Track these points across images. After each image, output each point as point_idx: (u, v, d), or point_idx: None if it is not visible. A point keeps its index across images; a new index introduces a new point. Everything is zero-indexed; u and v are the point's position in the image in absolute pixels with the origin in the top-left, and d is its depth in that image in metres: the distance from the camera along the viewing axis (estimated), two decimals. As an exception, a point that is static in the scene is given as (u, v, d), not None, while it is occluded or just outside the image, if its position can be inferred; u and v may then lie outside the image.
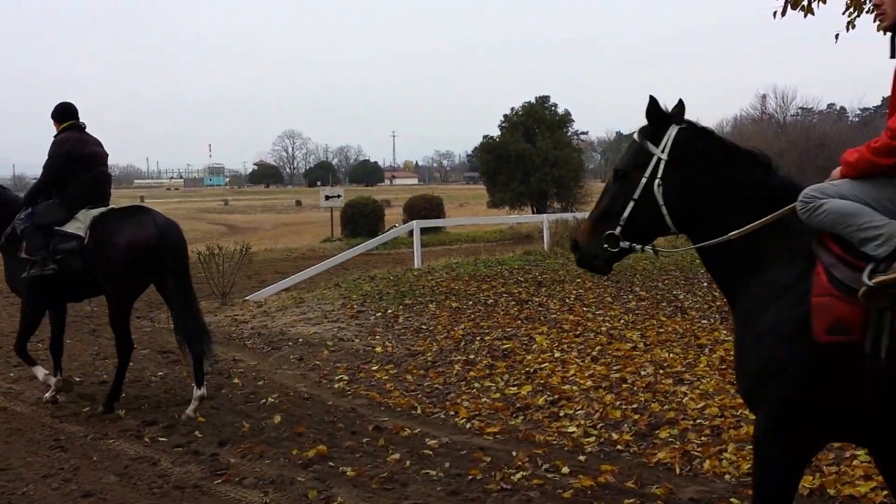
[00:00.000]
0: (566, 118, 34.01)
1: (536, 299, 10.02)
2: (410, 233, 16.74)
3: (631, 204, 3.03)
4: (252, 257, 14.53)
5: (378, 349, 7.96)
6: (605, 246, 3.06)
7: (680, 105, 3.09)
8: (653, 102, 3.05)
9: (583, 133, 35.18)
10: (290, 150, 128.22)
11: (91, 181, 6.41)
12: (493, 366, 7.09)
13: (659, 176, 3.00)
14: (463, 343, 7.95)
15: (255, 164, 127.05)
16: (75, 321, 10.56)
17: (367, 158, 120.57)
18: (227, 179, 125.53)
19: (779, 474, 2.74)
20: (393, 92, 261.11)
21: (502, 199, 32.45)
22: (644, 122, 3.09)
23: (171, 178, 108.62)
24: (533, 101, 34.02)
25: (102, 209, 6.36)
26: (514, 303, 9.84)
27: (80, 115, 6.63)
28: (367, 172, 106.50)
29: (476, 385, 6.58)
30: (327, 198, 21.21)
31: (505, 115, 34.09)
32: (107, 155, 6.74)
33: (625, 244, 3.04)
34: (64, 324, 6.94)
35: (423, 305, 9.92)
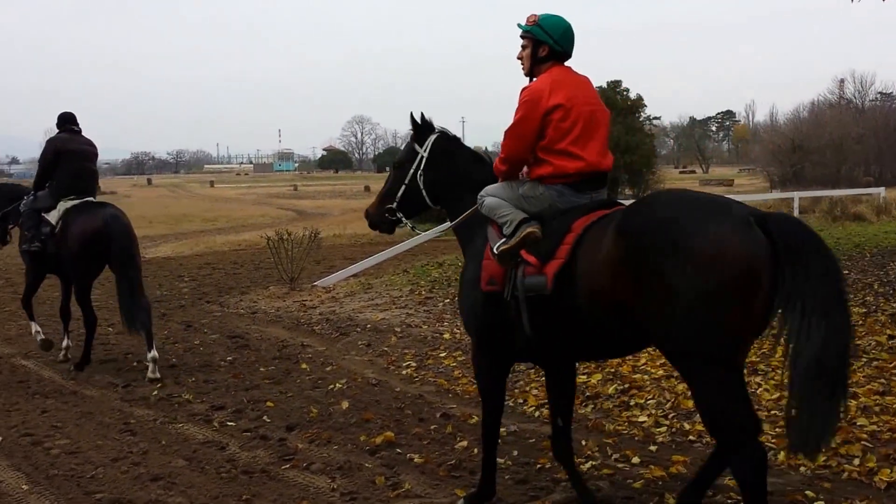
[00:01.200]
0: (638, 103, 33.01)
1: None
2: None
3: (403, 187, 4.27)
4: (320, 242, 14.59)
5: (446, 336, 7.83)
6: (386, 215, 4.34)
7: (426, 120, 4.29)
8: (412, 117, 4.28)
9: (655, 118, 34.15)
10: (359, 135, 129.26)
11: (73, 175, 7.44)
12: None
13: (421, 169, 4.21)
14: (532, 330, 7.74)
15: (324, 150, 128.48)
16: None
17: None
18: (297, 165, 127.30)
19: (488, 382, 4.00)
20: (462, 77, 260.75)
21: (574, 186, 31.86)
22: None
23: (241, 163, 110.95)
24: (605, 85, 33.17)
25: (76, 201, 7.37)
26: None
27: (76, 123, 7.73)
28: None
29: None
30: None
31: (576, 101, 33.43)
32: (95, 154, 7.81)
33: (399, 215, 4.32)
34: (69, 293, 7.84)
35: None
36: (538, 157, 3.75)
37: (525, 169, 3.88)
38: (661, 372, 6.09)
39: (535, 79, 3.84)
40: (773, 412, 5.07)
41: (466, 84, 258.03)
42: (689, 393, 3.16)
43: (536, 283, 3.54)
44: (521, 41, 3.90)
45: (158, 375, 6.86)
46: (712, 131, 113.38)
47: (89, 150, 7.69)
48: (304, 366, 7.18)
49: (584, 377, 6.18)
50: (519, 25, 3.87)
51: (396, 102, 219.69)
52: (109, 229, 7.10)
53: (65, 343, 7.77)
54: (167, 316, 10.12)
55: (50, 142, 7.63)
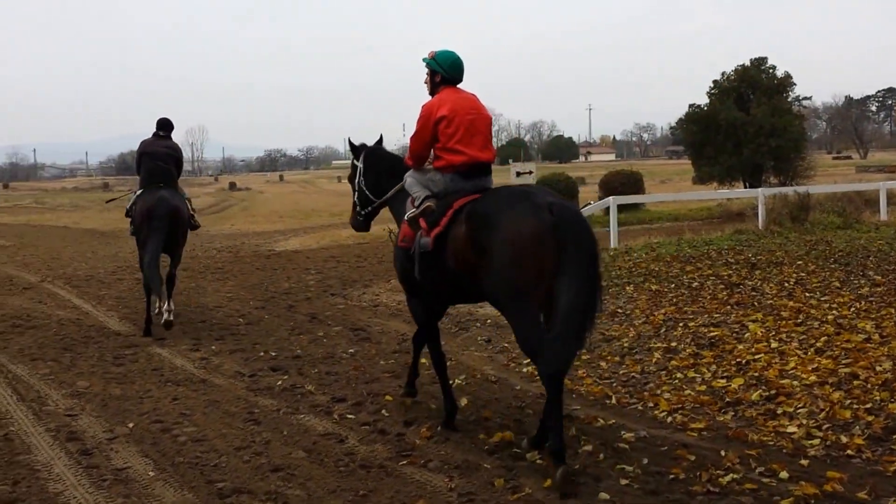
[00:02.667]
0: (786, 82, 30.58)
1: (749, 283, 9.08)
2: (606, 210, 16.03)
3: (356, 193, 5.95)
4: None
5: (570, 332, 7.51)
6: (358, 217, 6.03)
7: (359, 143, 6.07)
8: (349, 142, 6.13)
9: (805, 98, 31.61)
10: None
11: (148, 171, 9.19)
12: (699, 355, 6.42)
13: (362, 175, 5.88)
14: (664, 329, 7.31)
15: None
16: (273, 297, 11.08)
17: (560, 134, 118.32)
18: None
19: (423, 316, 5.42)
20: (589, 63, 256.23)
21: (710, 173, 30.05)
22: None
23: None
24: (747, 63, 31.13)
25: (140, 190, 9.17)
26: (722, 286, 8.97)
27: (166, 128, 9.50)
28: (561, 148, 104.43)
29: (678, 375, 5.96)
30: (518, 174, 20.58)
31: (714, 81, 31.44)
32: (169, 155, 9.35)
33: (364, 213, 5.97)
34: (174, 264, 9.48)
35: (619, 287, 9.32)
36: (436, 154, 5.13)
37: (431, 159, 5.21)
38: (813, 378, 5.56)
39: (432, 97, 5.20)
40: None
41: (593, 69, 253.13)
42: (847, 402, 3.86)
43: (425, 243, 4.93)
44: (425, 70, 5.30)
45: (171, 319, 8.60)
46: (871, 112, 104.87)
47: (164, 152, 9.32)
48: (423, 360, 7.06)
49: (724, 381, 5.73)
50: (423, 59, 5.29)
51: (519, 92, 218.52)
52: (159, 208, 8.72)
53: (165, 306, 8.79)
54: (294, 308, 10.32)
55: (140, 144, 9.50)
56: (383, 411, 5.62)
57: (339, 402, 5.91)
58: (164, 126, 9.53)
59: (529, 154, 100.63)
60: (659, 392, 5.63)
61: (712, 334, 6.95)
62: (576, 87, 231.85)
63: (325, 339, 8.23)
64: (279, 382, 6.49)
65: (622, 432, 4.91)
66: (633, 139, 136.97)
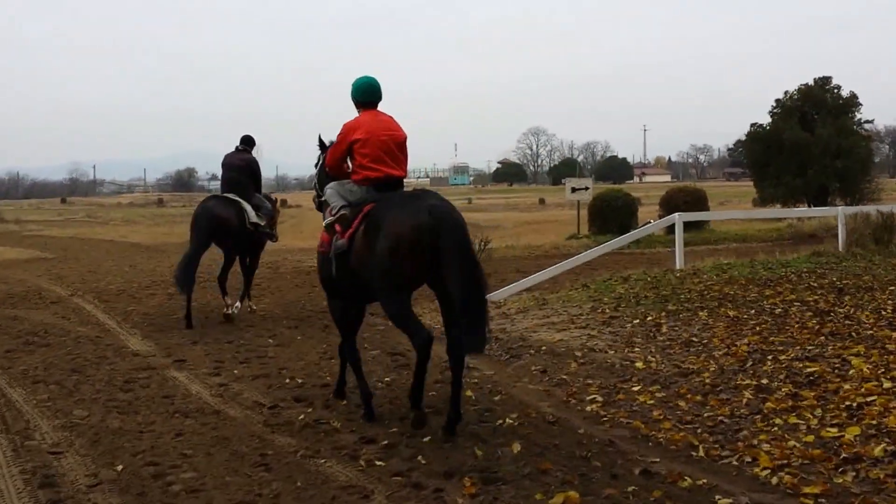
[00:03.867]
0: (851, 102, 29.23)
1: (840, 310, 7.92)
2: (668, 229, 14.93)
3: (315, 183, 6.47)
4: (491, 254, 13.65)
5: (639, 364, 6.50)
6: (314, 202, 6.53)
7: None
8: (319, 138, 6.55)
9: (867, 122, 30.13)
10: (534, 147, 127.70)
11: (224, 180, 10.49)
12: (797, 395, 5.34)
13: (318, 170, 6.40)
14: (750, 363, 6.24)
15: (498, 163, 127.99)
16: (309, 316, 10.28)
17: (614, 154, 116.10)
18: (472, 178, 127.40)
19: (336, 318, 6.05)
20: (644, 82, 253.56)
21: (773, 194, 28.72)
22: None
23: (418, 177, 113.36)
24: (811, 82, 29.76)
25: (214, 195, 10.97)
26: (810, 313, 7.84)
27: (246, 143, 10.60)
28: (615, 169, 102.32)
29: (777, 421, 4.91)
30: (574, 190, 19.62)
31: (777, 100, 30.19)
32: (241, 167, 10.36)
33: (318, 201, 6.31)
34: (228, 266, 10.51)
35: (690, 313, 8.25)
36: (354, 170, 5.61)
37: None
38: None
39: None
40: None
41: (648, 89, 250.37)
42: None
43: (340, 244, 5.40)
44: None
45: (229, 313, 9.98)
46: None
47: (237, 164, 10.39)
48: (468, 392, 6.13)
49: (835, 430, 4.67)
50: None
51: (573, 113, 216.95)
52: (212, 214, 9.90)
53: (232, 301, 10.24)
54: (329, 329, 9.46)
55: (223, 157, 10.64)
56: (419, 457, 4.69)
57: (368, 443, 5.01)
58: (246, 141, 10.65)
59: (583, 174, 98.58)
60: (756, 442, 4.59)
61: (809, 370, 5.86)
62: (630, 107, 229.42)
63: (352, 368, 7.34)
64: (301, 416, 5.62)
65: (717, 496, 3.90)
66: (689, 160, 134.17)
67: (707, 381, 5.86)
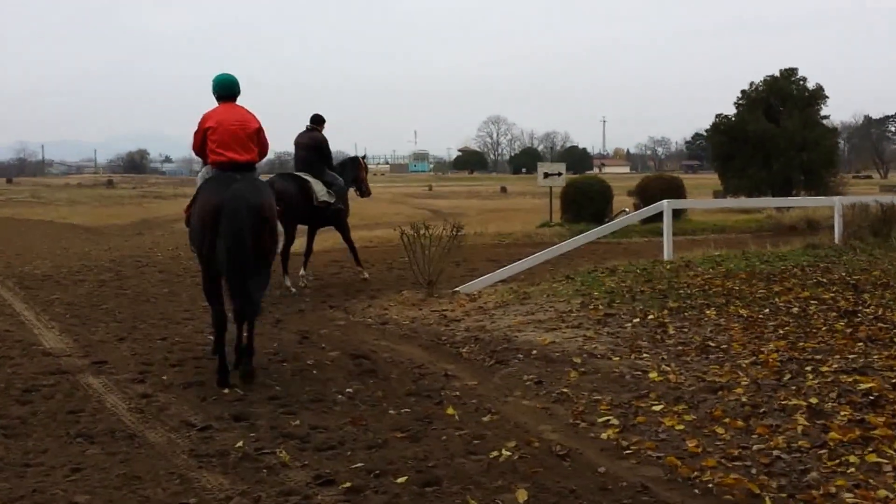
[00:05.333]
0: (818, 94, 28.58)
1: (866, 310, 6.97)
2: (645, 220, 14.01)
3: None
4: (462, 241, 12.50)
5: (652, 375, 5.42)
6: None
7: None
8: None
9: (824, 118, 29.65)
10: (494, 135, 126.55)
11: (296, 158, 11.12)
12: (864, 422, 4.30)
13: None
14: (788, 375, 5.19)
15: (459, 151, 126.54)
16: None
17: (574, 145, 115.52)
18: (432, 165, 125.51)
19: (207, 287, 6.06)
20: (603, 74, 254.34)
21: (737, 186, 28.02)
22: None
23: (378, 163, 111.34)
24: (777, 74, 29.10)
25: (280, 173, 11.49)
26: (833, 314, 6.86)
27: (315, 122, 11.08)
28: (575, 159, 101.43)
29: (851, 458, 3.86)
30: (546, 175, 18.52)
31: (743, 91, 29.39)
32: (309, 145, 10.87)
33: None
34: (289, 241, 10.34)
35: (696, 311, 7.22)
36: (208, 153, 6.16)
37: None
38: None
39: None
40: None
41: (607, 80, 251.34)
42: None
43: (186, 218, 6.36)
44: None
45: (302, 284, 10.68)
46: (891, 132, 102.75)
47: (306, 143, 10.89)
48: (450, 410, 5.00)
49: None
50: None
51: (532, 102, 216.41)
52: (277, 191, 9.35)
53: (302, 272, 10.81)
54: (281, 323, 8.28)
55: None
56: (394, 506, 3.54)
57: (325, 484, 3.84)
58: (315, 120, 11.07)
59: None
60: (833, 490, 3.54)
61: (864, 386, 4.84)
62: (588, 98, 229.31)
63: (315, 371, 6.17)
64: (239, 444, 4.42)
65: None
66: (648, 152, 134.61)
67: (744, 399, 4.79)
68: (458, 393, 5.43)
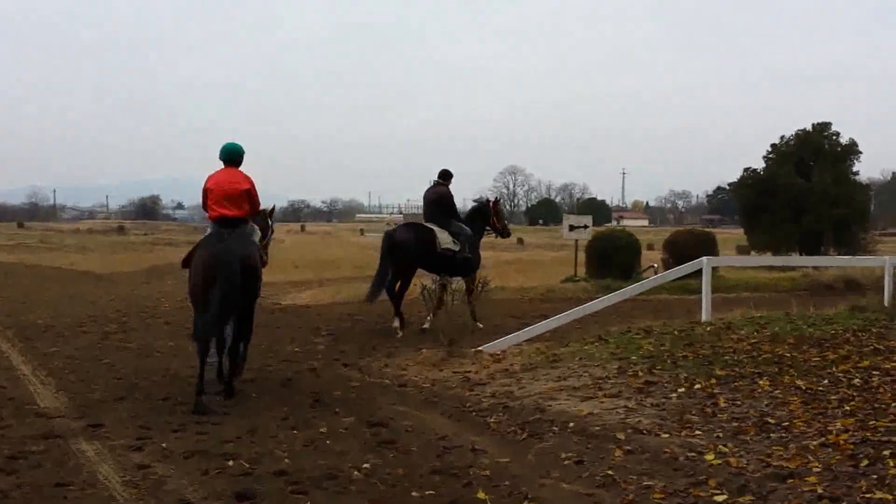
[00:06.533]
0: (851, 149, 28.14)
1: (936, 383, 6.31)
2: (685, 277, 13.40)
3: None
4: (486, 296, 11.97)
5: (709, 457, 4.80)
6: None
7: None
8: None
9: (854, 174, 29.18)
10: (511, 186, 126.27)
11: (423, 211, 12.05)
12: (968, 523, 3.67)
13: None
14: (865, 461, 4.56)
15: (474, 201, 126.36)
16: (268, 365, 8.45)
17: (593, 196, 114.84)
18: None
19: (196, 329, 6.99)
20: (624, 126, 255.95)
21: (765, 241, 27.48)
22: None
23: (392, 212, 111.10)
24: (809, 128, 28.70)
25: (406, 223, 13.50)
26: (900, 386, 6.22)
27: (442, 177, 11.91)
28: (593, 211, 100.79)
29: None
30: (572, 228, 17.94)
31: (773, 145, 29.04)
32: (433, 200, 11.72)
33: None
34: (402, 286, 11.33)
35: (748, 381, 6.60)
36: (208, 209, 7.32)
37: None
38: None
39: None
40: None
41: (627, 131, 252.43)
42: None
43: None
44: None
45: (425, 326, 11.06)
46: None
47: (431, 197, 11.78)
48: (481, 494, 4.40)
49: None
50: None
51: (551, 153, 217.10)
52: (385, 237, 11.45)
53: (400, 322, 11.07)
54: (292, 383, 7.73)
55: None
56: None
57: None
58: (442, 175, 11.92)
59: (559, 216, 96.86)
60: None
61: (956, 478, 4.21)
62: (608, 150, 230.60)
63: (328, 441, 5.60)
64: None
65: None
66: (668, 206, 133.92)
67: (820, 490, 4.16)
68: (487, 472, 4.82)
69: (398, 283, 11.18)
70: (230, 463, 5.05)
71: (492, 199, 13.38)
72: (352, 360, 9.05)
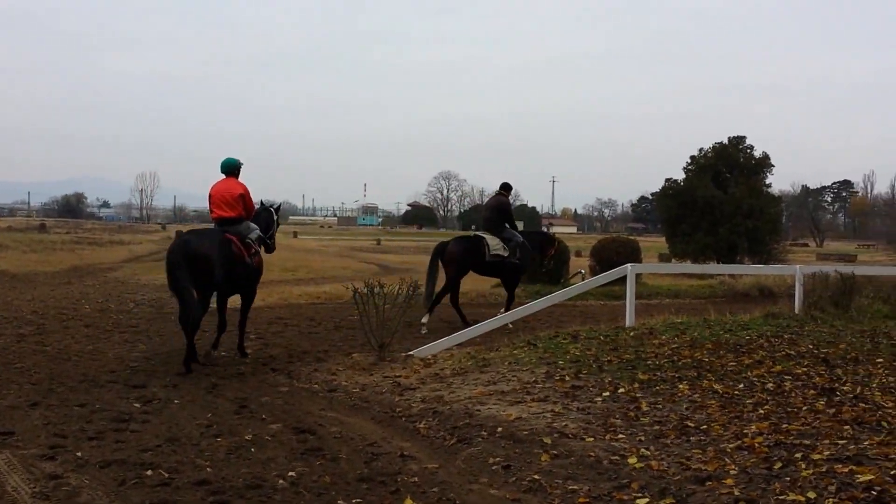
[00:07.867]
0: (764, 162, 29.33)
1: (843, 387, 6.63)
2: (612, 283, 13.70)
3: None
4: (416, 300, 11.94)
5: (632, 460, 4.91)
6: None
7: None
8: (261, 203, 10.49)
9: (767, 186, 30.44)
10: (444, 191, 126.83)
11: (482, 217, 14.10)
12: (874, 523, 3.85)
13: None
14: (779, 463, 4.74)
15: (408, 205, 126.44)
16: (193, 371, 8.25)
17: (524, 203, 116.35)
18: (380, 219, 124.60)
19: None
20: (554, 134, 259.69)
21: (684, 250, 28.36)
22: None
23: (326, 215, 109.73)
24: (725, 141, 29.77)
25: (462, 237, 13.87)
26: (812, 391, 6.50)
27: (502, 188, 13.35)
28: (525, 218, 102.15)
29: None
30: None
31: (692, 157, 30.01)
32: (492, 207, 13.23)
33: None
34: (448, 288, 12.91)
35: (668, 385, 6.78)
36: (211, 211, 9.21)
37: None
38: None
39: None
40: None
41: (558, 140, 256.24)
42: None
43: None
44: None
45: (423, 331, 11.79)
46: (827, 202, 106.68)
47: (491, 204, 13.31)
48: (409, 502, 4.39)
49: None
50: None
51: (483, 159, 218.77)
52: (448, 251, 12.72)
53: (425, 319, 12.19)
54: (218, 388, 7.57)
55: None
56: None
57: None
58: (504, 187, 13.32)
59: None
60: None
61: (863, 478, 4.41)
62: (538, 157, 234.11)
63: (253, 449, 5.50)
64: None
65: None
66: (595, 213, 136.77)
67: (736, 492, 4.30)
68: (416, 478, 4.82)
69: (445, 288, 12.68)
70: (149, 473, 4.91)
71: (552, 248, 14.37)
72: (280, 365, 8.91)
